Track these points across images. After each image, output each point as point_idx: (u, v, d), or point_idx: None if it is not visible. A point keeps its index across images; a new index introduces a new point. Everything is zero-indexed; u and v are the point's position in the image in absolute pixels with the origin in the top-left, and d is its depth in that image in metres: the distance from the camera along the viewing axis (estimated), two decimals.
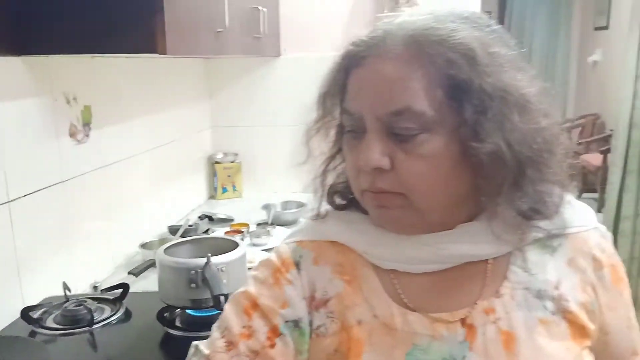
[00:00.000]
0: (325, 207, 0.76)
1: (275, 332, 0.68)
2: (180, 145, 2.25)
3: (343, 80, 0.67)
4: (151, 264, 1.63)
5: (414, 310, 0.67)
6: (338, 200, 0.76)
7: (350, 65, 0.65)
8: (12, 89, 1.29)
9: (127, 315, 1.29)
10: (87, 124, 1.59)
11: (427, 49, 0.60)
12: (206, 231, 2.01)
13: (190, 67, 2.39)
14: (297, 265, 0.71)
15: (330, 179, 0.75)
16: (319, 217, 0.74)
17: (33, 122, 1.36)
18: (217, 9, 1.53)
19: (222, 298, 1.07)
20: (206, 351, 0.69)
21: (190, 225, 1.95)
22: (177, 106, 2.24)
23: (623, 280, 0.73)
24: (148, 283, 1.55)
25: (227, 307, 0.72)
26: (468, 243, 0.66)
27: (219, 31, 1.54)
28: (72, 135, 1.52)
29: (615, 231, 2.83)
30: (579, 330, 0.68)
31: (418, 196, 0.63)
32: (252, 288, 0.71)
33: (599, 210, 3.53)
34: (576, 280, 0.69)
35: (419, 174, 0.62)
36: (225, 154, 2.56)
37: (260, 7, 1.96)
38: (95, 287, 1.50)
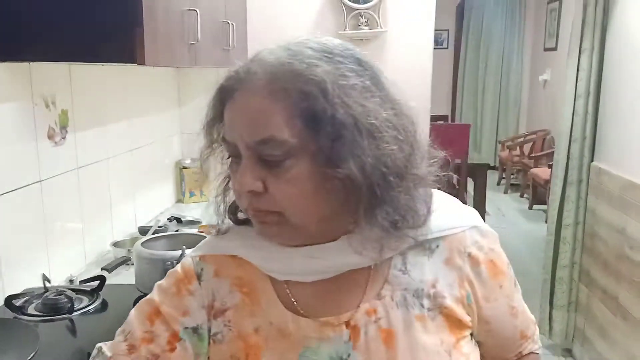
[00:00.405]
0: (227, 222, 0.81)
1: (175, 337, 0.75)
2: (150, 150, 2.34)
3: (220, 111, 0.72)
4: (123, 261, 1.72)
5: (305, 316, 0.74)
6: (239, 216, 0.81)
7: (225, 98, 0.71)
8: None
9: (104, 305, 1.39)
10: (64, 127, 1.67)
11: (284, 84, 0.66)
12: (175, 232, 2.10)
13: (161, 76, 2.49)
14: (199, 277, 0.78)
15: (231, 197, 0.79)
16: (220, 232, 0.80)
17: (14, 124, 1.45)
18: (191, 22, 1.65)
19: None
20: (108, 353, 0.75)
21: (160, 227, 2.04)
22: (149, 113, 2.34)
23: (502, 273, 0.80)
24: (121, 279, 1.64)
25: (132, 313, 0.78)
26: (350, 253, 0.71)
27: (192, 43, 1.66)
28: (50, 137, 1.60)
29: (557, 239, 3.03)
30: (455, 323, 0.75)
31: (291, 214, 0.69)
32: (156, 296, 0.78)
33: (546, 220, 3.75)
34: (453, 277, 0.76)
35: (289, 196, 0.68)
36: (193, 160, 2.66)
37: (230, 22, 2.09)
38: (71, 281, 1.58)
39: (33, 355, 0.96)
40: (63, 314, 1.29)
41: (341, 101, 0.65)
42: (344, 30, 2.50)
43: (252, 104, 0.67)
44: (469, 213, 0.81)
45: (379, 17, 2.47)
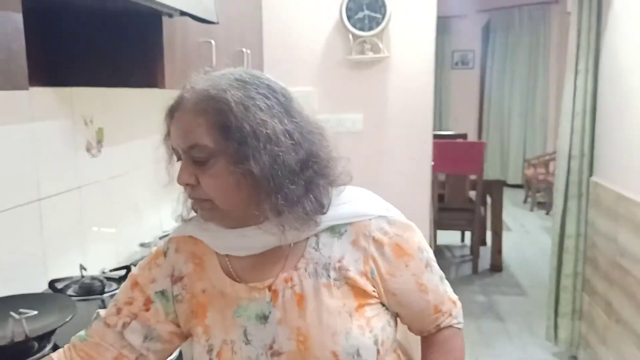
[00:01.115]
0: (192, 212, 1.04)
1: (148, 300, 1.01)
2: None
3: (169, 125, 0.96)
4: None
5: (239, 282, 0.97)
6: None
7: (171, 115, 0.95)
8: (45, 113, 1.67)
9: None
10: (100, 142, 1.96)
11: (204, 105, 0.89)
12: None
13: None
14: (165, 254, 1.04)
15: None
16: (183, 219, 1.05)
17: (58, 139, 1.74)
18: (207, 52, 1.92)
19: None
20: (102, 314, 1.02)
21: None
22: None
23: (408, 255, 0.98)
24: None
25: (121, 286, 1.07)
26: (274, 234, 0.92)
27: (208, 70, 1.92)
28: (88, 150, 1.89)
29: (560, 250, 3.17)
30: (359, 291, 0.95)
31: (218, 201, 0.91)
32: (135, 271, 1.06)
33: None
34: (358, 255, 0.96)
35: (213, 187, 0.90)
36: None
37: (244, 49, 2.36)
38: (103, 272, 1.85)
39: (71, 318, 1.22)
40: (96, 295, 1.56)
41: (244, 116, 0.88)
42: (351, 55, 2.75)
43: (184, 120, 0.92)
44: (378, 205, 1.00)
45: (382, 43, 2.71)
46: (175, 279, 1.02)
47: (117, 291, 1.59)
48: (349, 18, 2.68)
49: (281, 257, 0.97)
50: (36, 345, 1.22)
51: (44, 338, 1.23)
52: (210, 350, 0.97)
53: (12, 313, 1.16)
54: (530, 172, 7.33)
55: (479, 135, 8.62)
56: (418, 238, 1.02)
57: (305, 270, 0.96)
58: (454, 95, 8.67)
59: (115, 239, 2.08)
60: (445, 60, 8.45)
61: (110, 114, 2.02)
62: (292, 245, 0.96)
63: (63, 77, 1.67)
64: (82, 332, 1.04)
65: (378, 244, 0.97)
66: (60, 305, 1.29)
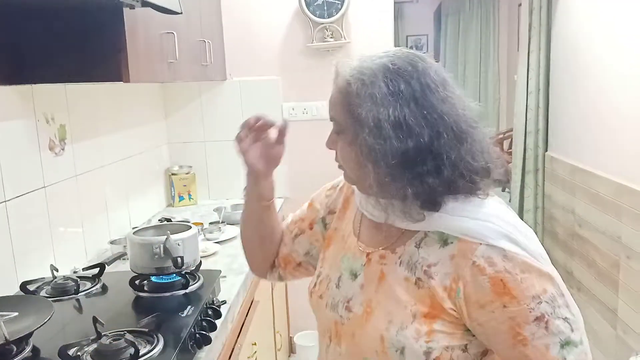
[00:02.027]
0: None
1: (313, 221, 1.21)
2: (141, 159, 2.59)
3: None
4: (120, 256, 1.96)
5: (355, 237, 1.08)
6: None
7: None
8: (5, 112, 1.62)
9: (104, 288, 1.63)
10: (62, 140, 1.92)
11: (344, 85, 0.95)
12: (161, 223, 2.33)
13: (148, 91, 2.74)
14: (335, 188, 1.21)
15: None
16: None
17: (21, 138, 1.69)
18: (169, 44, 1.89)
19: (179, 259, 1.43)
20: (288, 219, 1.26)
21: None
22: (138, 125, 2.58)
23: (511, 295, 0.88)
24: (118, 270, 1.88)
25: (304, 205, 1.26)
26: (392, 214, 0.96)
27: (171, 62, 1.91)
28: (50, 149, 1.85)
29: None
30: (435, 302, 0.92)
31: (346, 169, 1.02)
32: (315, 193, 1.25)
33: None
34: (451, 270, 0.92)
35: (341, 157, 1.00)
36: (181, 167, 2.91)
37: (206, 40, 2.34)
38: (75, 272, 1.82)
39: (49, 318, 1.20)
40: (70, 295, 1.53)
41: (361, 104, 0.92)
42: (312, 43, 2.75)
43: (333, 93, 0.99)
44: (502, 235, 0.91)
45: (342, 29, 2.73)
46: (330, 211, 1.19)
47: (91, 290, 1.60)
48: (307, 5, 2.68)
49: (392, 236, 1.01)
50: (14, 348, 1.20)
51: (22, 340, 1.21)
52: (317, 277, 1.13)
53: None
54: None
55: None
56: (541, 287, 0.89)
57: (400, 257, 0.99)
58: None
59: (84, 238, 2.04)
60: (400, 45, 8.52)
61: (73, 111, 1.98)
62: (404, 231, 0.99)
63: (22, 74, 1.62)
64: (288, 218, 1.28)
65: (477, 270, 0.90)
66: (37, 306, 1.27)
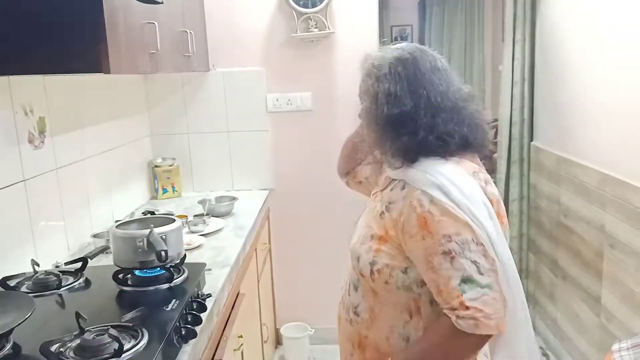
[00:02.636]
0: None
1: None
2: (123, 151, 2.55)
3: None
4: (103, 250, 1.93)
5: (375, 185, 1.45)
6: None
7: None
8: None
9: (87, 282, 1.60)
10: (42, 132, 1.88)
11: (362, 74, 1.31)
12: (144, 216, 2.30)
13: (130, 82, 2.70)
14: None
15: None
16: None
17: None
18: (150, 34, 1.86)
19: (162, 253, 1.41)
20: None
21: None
22: (120, 117, 2.55)
23: (430, 233, 1.15)
24: (101, 264, 1.85)
25: None
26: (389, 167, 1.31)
27: (153, 52, 1.87)
28: (30, 141, 1.81)
29: (507, 212, 3.30)
30: (387, 230, 1.23)
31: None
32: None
33: None
34: (399, 207, 1.22)
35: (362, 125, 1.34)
36: (164, 159, 2.87)
37: (188, 30, 2.31)
38: (57, 267, 1.79)
39: (30, 314, 1.17)
40: (52, 290, 1.50)
41: (368, 82, 1.27)
42: (296, 33, 2.72)
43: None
44: (435, 184, 1.18)
45: (326, 19, 2.70)
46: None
47: (74, 284, 1.57)
48: None
49: (389, 184, 1.31)
50: None
51: (2, 337, 1.18)
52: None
53: None
54: None
55: None
56: (453, 229, 1.14)
57: (381, 197, 1.31)
58: None
59: (66, 232, 2.01)
60: (385, 35, 8.52)
61: (52, 103, 1.94)
62: (391, 180, 1.30)
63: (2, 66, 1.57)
64: None
65: (411, 208, 1.19)
66: (16, 303, 1.24)
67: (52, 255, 1.89)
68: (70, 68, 1.60)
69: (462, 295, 1.11)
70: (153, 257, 1.47)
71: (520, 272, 3.31)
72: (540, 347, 3.05)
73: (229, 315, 1.82)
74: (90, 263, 1.84)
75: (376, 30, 2.78)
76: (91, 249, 1.99)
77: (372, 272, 1.23)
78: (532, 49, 3.01)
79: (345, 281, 1.39)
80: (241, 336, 1.89)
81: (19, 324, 1.15)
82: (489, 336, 1.13)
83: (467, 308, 1.11)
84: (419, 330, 1.25)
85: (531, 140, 3.15)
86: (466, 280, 1.11)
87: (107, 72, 1.53)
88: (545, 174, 2.95)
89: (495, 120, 7.39)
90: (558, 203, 2.78)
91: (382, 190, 1.32)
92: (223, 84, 2.84)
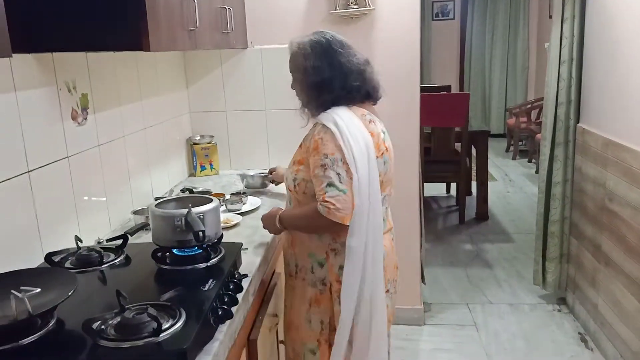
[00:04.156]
0: None
1: None
2: (162, 129, 2.57)
3: None
4: (142, 226, 1.96)
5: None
6: None
7: None
8: (27, 81, 1.60)
9: (128, 259, 1.63)
10: (85, 109, 1.90)
11: (290, 54, 1.80)
12: (182, 195, 2.32)
13: (170, 60, 2.71)
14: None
15: None
16: None
17: (43, 107, 1.68)
18: (189, 11, 1.85)
19: (200, 233, 1.41)
20: None
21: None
22: (159, 94, 2.56)
23: (316, 151, 1.65)
24: (141, 240, 1.89)
25: None
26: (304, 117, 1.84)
27: (192, 30, 1.87)
28: (73, 118, 1.83)
29: (548, 196, 3.21)
30: (303, 155, 1.74)
31: (298, 97, 1.84)
32: None
33: None
34: (310, 137, 1.71)
35: (295, 91, 1.83)
36: (202, 136, 2.89)
37: (227, 7, 2.29)
38: (98, 243, 1.83)
39: (73, 292, 1.20)
40: (94, 266, 1.53)
41: (298, 60, 1.76)
42: (335, 10, 2.67)
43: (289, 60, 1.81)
44: (331, 120, 1.67)
45: None
46: None
47: (115, 261, 1.60)
48: None
49: (307, 128, 1.82)
50: (39, 321, 1.21)
51: (47, 314, 1.21)
52: None
53: (13, 292, 1.14)
54: (512, 121, 7.36)
55: (461, 87, 8.59)
56: (330, 150, 1.63)
57: (304, 139, 1.78)
58: (434, 47, 8.59)
59: (107, 208, 2.05)
60: (426, 12, 8.33)
61: (94, 80, 1.96)
62: (314, 124, 1.77)
63: (39, 42, 1.59)
64: None
65: (313, 136, 1.70)
66: (60, 280, 1.27)
67: (95, 231, 1.93)
68: (112, 45, 1.62)
69: (325, 193, 1.61)
70: (190, 236, 1.48)
71: (560, 256, 3.25)
72: (579, 333, 2.99)
73: (264, 294, 1.83)
74: (131, 240, 1.88)
75: (418, 6, 2.70)
76: (131, 226, 2.02)
77: (294, 186, 1.74)
78: (582, 27, 2.89)
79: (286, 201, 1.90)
80: (276, 315, 1.90)
81: (63, 301, 1.17)
82: (337, 224, 1.61)
83: (326, 201, 1.60)
84: None
85: (577, 122, 3.04)
86: (330, 184, 1.61)
87: (148, 49, 1.53)
88: (591, 157, 2.85)
89: (538, 100, 7.19)
90: (604, 187, 2.69)
91: (305, 135, 1.78)
92: (261, 61, 2.82)
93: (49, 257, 1.54)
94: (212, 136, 2.90)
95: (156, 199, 2.30)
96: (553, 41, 2.97)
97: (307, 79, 1.72)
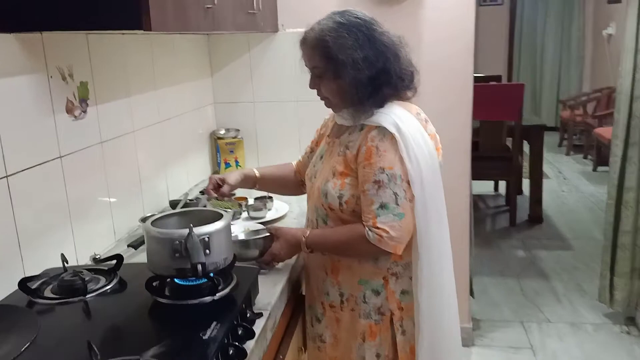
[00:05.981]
0: None
1: (315, 141, 1.81)
2: (182, 122, 2.29)
3: (302, 51, 1.51)
4: None
5: (328, 136, 1.64)
6: None
7: (301, 46, 1.51)
8: (8, 66, 1.33)
9: (122, 284, 1.34)
10: (84, 100, 1.63)
11: (316, 42, 1.44)
12: (206, 205, 2.04)
13: (191, 44, 2.41)
14: (326, 120, 1.77)
15: None
16: None
17: (28, 98, 1.40)
18: None
19: (199, 266, 1.11)
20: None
21: (190, 200, 1.97)
22: (178, 82, 2.27)
23: (370, 163, 1.39)
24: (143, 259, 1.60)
25: None
26: (347, 118, 1.51)
27: (208, 7, 1.56)
28: (68, 111, 1.56)
29: (618, 202, 2.82)
30: (347, 164, 1.45)
31: (330, 98, 1.49)
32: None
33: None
34: (358, 143, 1.43)
35: (325, 91, 1.48)
36: (228, 130, 2.60)
37: None
38: (95, 259, 1.56)
39: (29, 344, 0.92)
40: (79, 296, 1.25)
41: (337, 50, 1.40)
42: None
43: (306, 51, 1.48)
44: (391, 123, 1.39)
45: None
46: (323, 133, 1.71)
47: (106, 288, 1.32)
48: None
49: (344, 131, 1.52)
50: None
51: None
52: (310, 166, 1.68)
53: None
54: (566, 114, 6.87)
55: (509, 76, 8.11)
56: (387, 163, 1.38)
57: (339, 142, 1.52)
58: (482, 34, 8.10)
59: (112, 214, 1.78)
60: None
61: (96, 66, 1.68)
62: (347, 127, 1.52)
63: (26, 19, 1.29)
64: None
65: (365, 143, 1.42)
66: (19, 323, 1.00)
67: (95, 242, 1.66)
68: (105, 23, 1.32)
69: (376, 217, 1.38)
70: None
71: (632, 271, 2.85)
72: None
73: (287, 326, 1.52)
74: (135, 254, 1.60)
75: None
76: (139, 235, 1.75)
77: (340, 204, 1.45)
78: None
79: (309, 220, 1.60)
80: (301, 348, 1.60)
81: (14, 358, 0.89)
82: (386, 251, 1.40)
83: (378, 227, 1.38)
84: None
85: None
86: (383, 206, 1.38)
87: (148, 28, 1.24)
88: None
89: (595, 91, 6.65)
90: None
91: (338, 137, 1.53)
92: (293, 47, 2.49)
93: (23, 283, 1.25)
94: (238, 130, 2.60)
95: (171, 202, 2.03)
96: (629, 28, 2.57)
97: (359, 74, 1.38)
